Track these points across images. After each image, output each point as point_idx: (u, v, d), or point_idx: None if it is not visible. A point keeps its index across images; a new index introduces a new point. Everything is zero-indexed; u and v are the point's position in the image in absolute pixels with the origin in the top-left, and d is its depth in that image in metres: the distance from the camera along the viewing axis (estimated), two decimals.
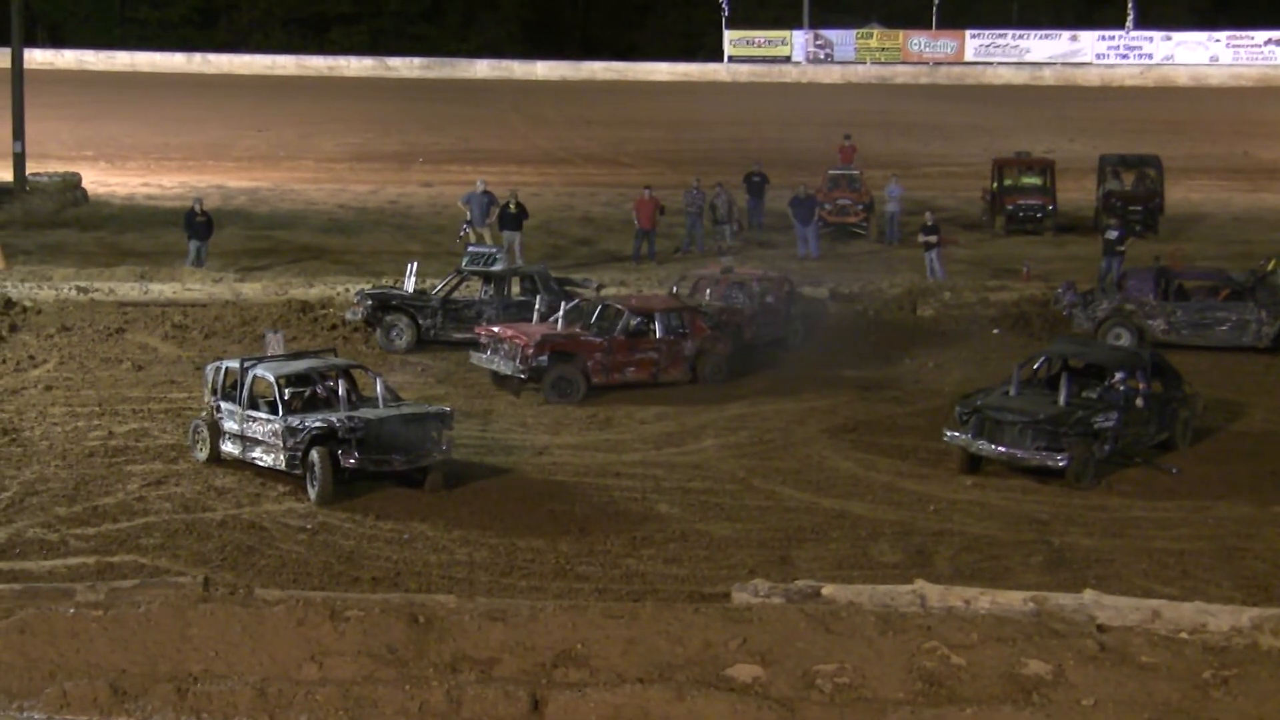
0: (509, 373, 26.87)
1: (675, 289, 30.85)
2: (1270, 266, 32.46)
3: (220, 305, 33.41)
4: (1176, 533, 20.26)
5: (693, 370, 27.85)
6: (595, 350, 27.11)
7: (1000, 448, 22.26)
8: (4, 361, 28.45)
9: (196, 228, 37.01)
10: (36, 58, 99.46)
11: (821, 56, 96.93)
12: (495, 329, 27.78)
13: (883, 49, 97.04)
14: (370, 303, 30.25)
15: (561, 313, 28.09)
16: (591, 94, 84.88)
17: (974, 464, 22.71)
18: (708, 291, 30.51)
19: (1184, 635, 15.20)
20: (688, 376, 27.78)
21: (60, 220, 43.84)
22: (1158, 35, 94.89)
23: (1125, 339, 30.12)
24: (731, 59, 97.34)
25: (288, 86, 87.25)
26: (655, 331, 27.69)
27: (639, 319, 27.67)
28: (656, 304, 28.61)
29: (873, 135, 59.75)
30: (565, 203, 47.68)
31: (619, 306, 28.17)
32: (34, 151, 48.11)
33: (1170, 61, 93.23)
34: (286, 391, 21.90)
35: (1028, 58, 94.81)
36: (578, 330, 27.55)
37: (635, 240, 39.12)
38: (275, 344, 25.11)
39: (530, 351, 26.56)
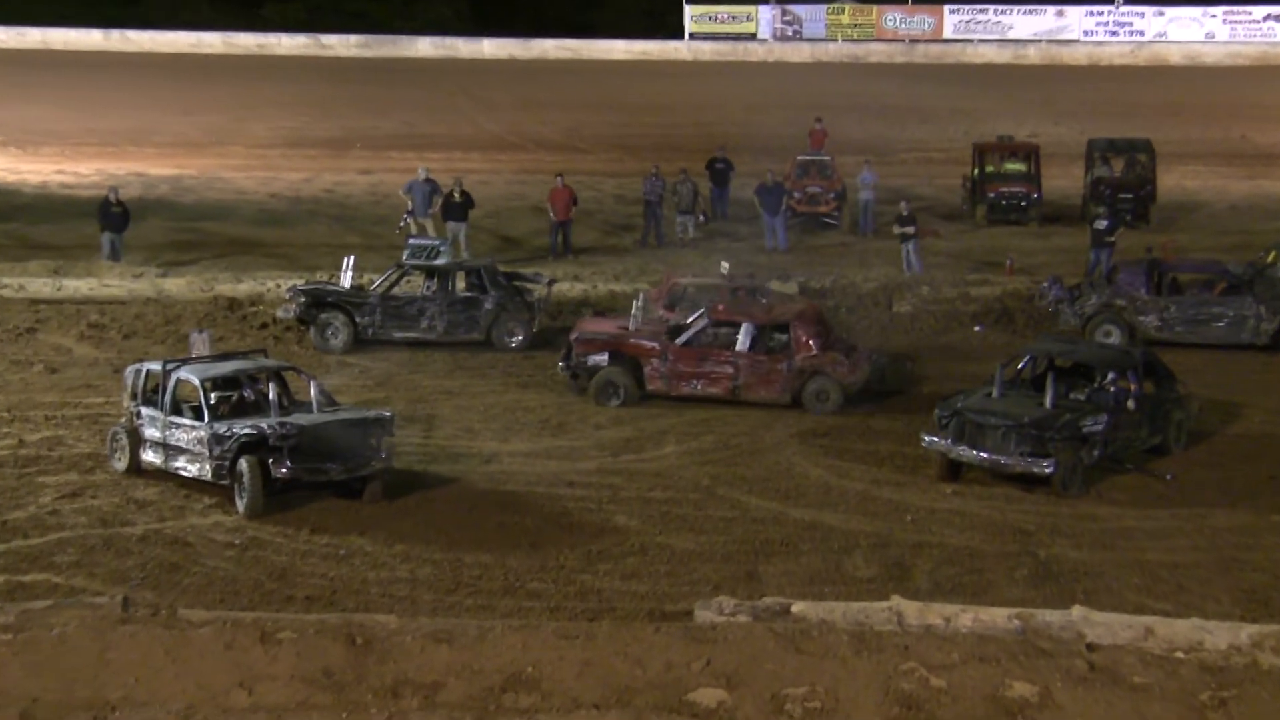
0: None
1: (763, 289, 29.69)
2: (1270, 259, 32.63)
3: (141, 303, 33.26)
4: (1171, 543, 20.35)
5: (796, 394, 26.39)
6: (650, 355, 26.75)
7: (982, 453, 22.31)
8: None
9: (111, 218, 36.81)
10: None
11: (790, 34, 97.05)
12: (584, 321, 28.27)
13: (855, 25, 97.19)
14: (304, 299, 30.16)
15: (640, 303, 27.91)
16: (543, 74, 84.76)
17: (954, 471, 22.77)
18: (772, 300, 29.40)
19: (1179, 654, 15.23)
20: (784, 399, 26.35)
21: None
22: (1149, 10, 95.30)
23: (1115, 336, 30.27)
24: (693, 36, 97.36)
25: (215, 66, 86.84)
26: (738, 343, 26.56)
27: (710, 326, 26.94)
28: (746, 312, 27.31)
29: (845, 118, 59.81)
30: (515, 191, 47.59)
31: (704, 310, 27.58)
32: None
33: (1163, 39, 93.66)
34: (213, 395, 21.83)
35: (1010, 35, 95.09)
36: (633, 329, 27.24)
37: (551, 233, 39.16)
38: (201, 344, 25.00)
39: (574, 347, 26.85)
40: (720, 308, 27.69)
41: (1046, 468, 22.02)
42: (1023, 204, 43.96)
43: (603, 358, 26.62)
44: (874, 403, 26.72)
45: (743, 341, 26.56)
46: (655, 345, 26.75)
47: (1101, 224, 36.25)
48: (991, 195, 44.09)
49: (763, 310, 27.62)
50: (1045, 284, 32.20)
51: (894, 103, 71.01)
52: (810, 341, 26.41)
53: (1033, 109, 67.83)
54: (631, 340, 26.97)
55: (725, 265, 31.20)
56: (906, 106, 70.05)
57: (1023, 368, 24.43)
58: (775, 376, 26.40)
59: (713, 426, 25.47)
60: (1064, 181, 46.97)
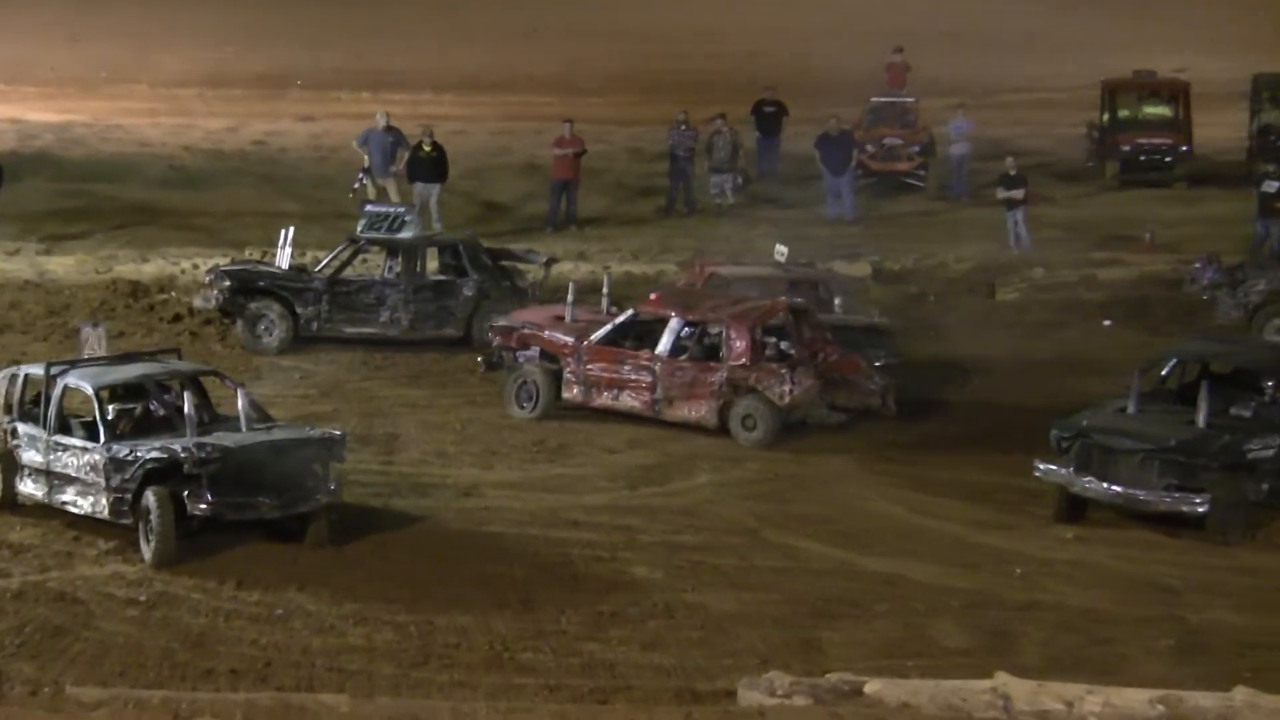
0: None
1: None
2: None
3: (17, 288, 33.34)
4: None
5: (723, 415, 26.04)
6: (566, 353, 26.66)
7: (1114, 487, 22.25)
8: None
9: None
10: None
11: None
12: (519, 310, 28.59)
13: None
14: (229, 284, 30.17)
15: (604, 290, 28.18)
16: None
17: (1076, 509, 22.73)
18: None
19: None
20: (711, 421, 26.05)
21: None
22: None
23: None
24: None
25: None
26: (659, 344, 26.26)
27: (637, 322, 26.88)
28: (681, 305, 27.03)
29: (932, 49, 59.79)
30: (501, 144, 47.73)
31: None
32: None
33: None
34: (111, 408, 21.82)
35: None
36: (554, 319, 27.32)
37: (552, 196, 39.19)
38: (95, 341, 25.06)
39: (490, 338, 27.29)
40: (652, 297, 27.72)
41: (1199, 506, 21.92)
42: (1166, 159, 44.00)
43: (533, 353, 26.76)
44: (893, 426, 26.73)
45: (664, 343, 26.26)
46: (569, 342, 26.68)
47: (1271, 186, 36.16)
48: (1126, 149, 44.11)
49: (710, 305, 27.14)
50: (1196, 265, 32.15)
51: (997, 28, 71.00)
52: (742, 348, 25.94)
53: (1178, 35, 67.75)
54: (545, 333, 26.93)
55: (783, 250, 30.59)
56: (1013, 33, 70.04)
57: (1167, 375, 24.35)
58: (702, 390, 26.03)
59: (756, 451, 25.44)
60: (1221, 130, 46.94)
